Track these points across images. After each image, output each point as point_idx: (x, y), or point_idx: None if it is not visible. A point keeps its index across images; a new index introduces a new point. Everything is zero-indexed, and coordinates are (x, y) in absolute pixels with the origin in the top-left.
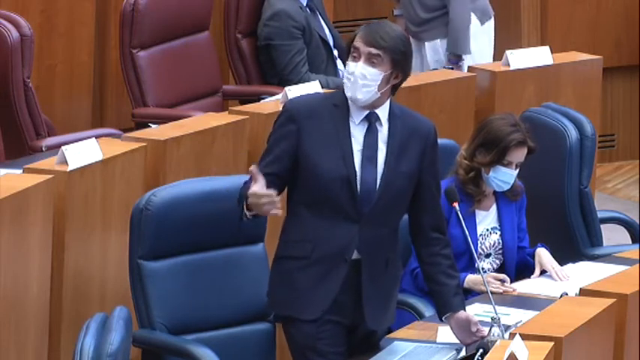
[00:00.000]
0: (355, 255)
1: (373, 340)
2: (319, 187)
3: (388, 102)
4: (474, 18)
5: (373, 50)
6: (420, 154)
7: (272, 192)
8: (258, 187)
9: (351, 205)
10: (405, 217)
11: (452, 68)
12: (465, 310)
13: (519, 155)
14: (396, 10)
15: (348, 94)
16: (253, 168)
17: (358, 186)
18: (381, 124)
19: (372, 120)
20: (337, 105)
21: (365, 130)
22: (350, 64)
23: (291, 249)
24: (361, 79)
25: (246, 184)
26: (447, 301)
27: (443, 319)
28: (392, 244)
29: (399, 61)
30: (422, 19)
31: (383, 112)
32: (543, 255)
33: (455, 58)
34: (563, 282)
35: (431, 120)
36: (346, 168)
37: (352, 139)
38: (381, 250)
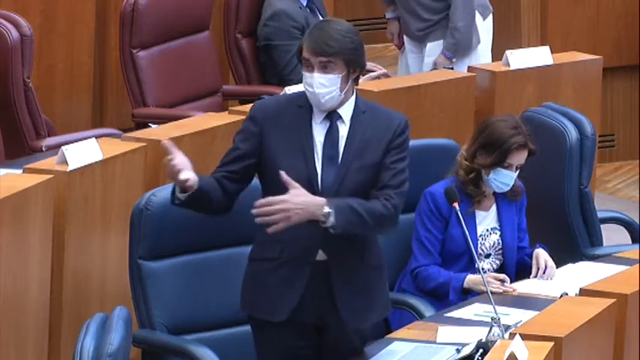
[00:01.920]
0: (321, 256)
1: (352, 340)
2: (283, 190)
3: (353, 98)
4: (477, 14)
5: (323, 59)
6: (387, 143)
7: (178, 163)
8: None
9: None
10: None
11: (451, 68)
12: (332, 203)
13: (520, 158)
14: (388, 13)
15: (312, 103)
16: (164, 141)
17: (319, 184)
18: (343, 122)
19: (333, 119)
20: (301, 106)
21: (326, 130)
22: (306, 74)
23: (262, 250)
24: (320, 87)
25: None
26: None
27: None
28: (364, 238)
29: (352, 59)
30: (425, 20)
31: (347, 110)
32: (540, 255)
33: (451, 54)
34: (561, 282)
35: (430, 120)
36: (307, 169)
37: (314, 140)
38: (351, 246)
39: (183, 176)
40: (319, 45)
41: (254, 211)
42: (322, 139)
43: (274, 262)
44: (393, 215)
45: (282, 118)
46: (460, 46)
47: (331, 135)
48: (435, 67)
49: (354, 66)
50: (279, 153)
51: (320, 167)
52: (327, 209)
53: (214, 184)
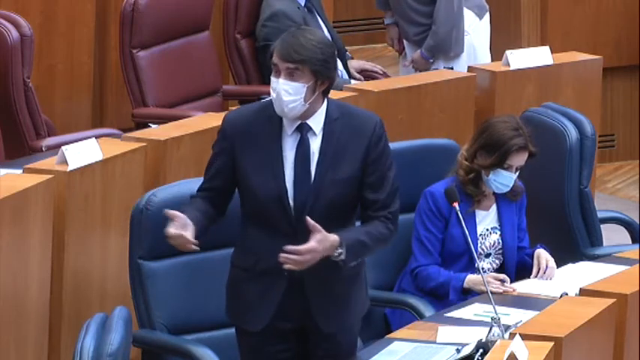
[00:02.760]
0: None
1: (336, 342)
2: (254, 204)
3: (323, 108)
4: (471, 14)
5: (290, 65)
6: (363, 152)
7: (179, 233)
8: (173, 227)
9: (286, 222)
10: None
11: (451, 68)
12: (343, 241)
13: (520, 159)
14: (386, 19)
15: (276, 110)
16: (167, 211)
17: (291, 202)
18: (314, 134)
19: (303, 131)
20: (271, 116)
21: (297, 143)
22: (272, 79)
23: (239, 259)
24: (285, 94)
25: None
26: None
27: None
28: None
29: (320, 70)
30: (421, 25)
31: (317, 121)
32: (541, 255)
33: (428, 55)
34: (561, 282)
35: (430, 120)
36: (277, 185)
37: (284, 154)
38: (323, 260)
39: (184, 247)
40: (288, 51)
41: (282, 257)
42: (293, 154)
43: (250, 272)
44: (393, 232)
45: (251, 131)
46: (437, 50)
47: (302, 149)
48: (412, 63)
49: (321, 77)
50: (249, 169)
51: (291, 184)
52: (340, 250)
53: (207, 210)
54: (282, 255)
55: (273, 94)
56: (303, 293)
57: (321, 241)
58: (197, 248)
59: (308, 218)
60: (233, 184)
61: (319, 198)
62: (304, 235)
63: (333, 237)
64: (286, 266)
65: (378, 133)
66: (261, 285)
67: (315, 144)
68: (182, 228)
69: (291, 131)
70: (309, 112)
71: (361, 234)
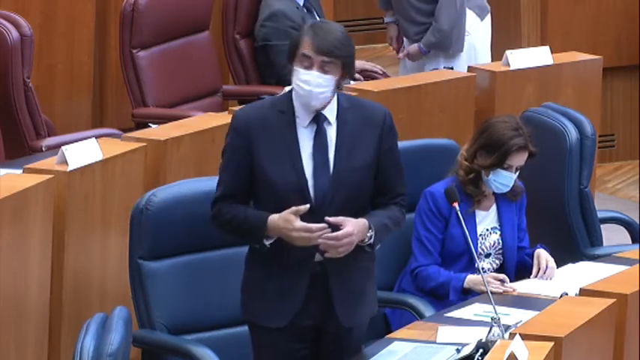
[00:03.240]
0: (318, 258)
1: (349, 338)
2: (274, 199)
3: (335, 98)
4: (472, 15)
5: (326, 58)
6: (377, 141)
7: (324, 225)
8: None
9: (307, 212)
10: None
11: (451, 68)
12: (372, 224)
13: (520, 160)
14: (387, 18)
15: (302, 101)
16: (295, 208)
17: (312, 192)
18: (329, 124)
19: (319, 122)
20: (283, 111)
21: (314, 134)
22: (301, 71)
23: (259, 256)
24: (317, 87)
25: (251, 217)
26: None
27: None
28: None
29: (348, 64)
30: (421, 24)
31: (331, 111)
32: (541, 255)
33: (426, 50)
34: (561, 282)
35: (430, 120)
36: (297, 177)
37: (301, 145)
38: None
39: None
40: (327, 45)
41: (322, 245)
42: (310, 144)
43: (272, 268)
44: (405, 216)
45: (264, 125)
46: (437, 47)
47: (320, 139)
48: (407, 54)
49: (347, 71)
50: (266, 163)
51: (310, 174)
52: (370, 233)
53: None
54: (322, 241)
55: (303, 86)
56: (325, 287)
57: (355, 224)
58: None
59: (327, 218)
60: (251, 185)
61: (339, 186)
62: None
63: (363, 220)
64: (326, 255)
65: (389, 123)
66: (286, 280)
67: (331, 133)
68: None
69: (307, 123)
70: (327, 103)
71: (384, 218)
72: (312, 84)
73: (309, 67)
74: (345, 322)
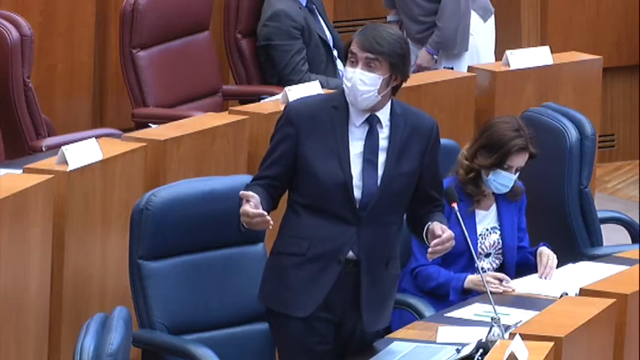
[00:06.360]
0: (350, 255)
1: (367, 340)
2: (316, 192)
3: (389, 103)
4: (476, 16)
5: (370, 55)
6: (422, 152)
7: (262, 212)
8: (249, 206)
9: (349, 209)
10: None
11: (451, 68)
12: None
13: (520, 160)
14: (389, 17)
15: (349, 99)
16: (242, 192)
17: (357, 190)
18: (382, 126)
19: (372, 123)
20: (337, 107)
21: (366, 134)
22: (348, 69)
23: (288, 245)
24: (360, 84)
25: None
26: (428, 220)
27: (425, 238)
28: (393, 244)
29: (397, 64)
30: (423, 23)
31: (384, 114)
32: (543, 252)
33: (433, 50)
34: (561, 282)
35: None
36: (343, 174)
37: (351, 143)
38: (381, 250)
39: (259, 226)
40: (370, 41)
41: (430, 254)
42: (361, 144)
43: (301, 257)
44: None
45: (317, 119)
46: (442, 46)
47: (371, 139)
48: (418, 62)
49: (397, 72)
50: (313, 156)
51: (357, 173)
52: None
53: (266, 197)
54: (430, 251)
55: (347, 84)
56: (356, 282)
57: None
58: (271, 226)
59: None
60: (288, 175)
61: (386, 189)
62: (367, 222)
63: (440, 224)
64: (431, 258)
65: (436, 135)
66: (313, 270)
67: (382, 136)
68: (257, 208)
69: (360, 122)
70: (379, 105)
71: (443, 221)
72: (354, 81)
73: (354, 64)
74: (367, 324)
